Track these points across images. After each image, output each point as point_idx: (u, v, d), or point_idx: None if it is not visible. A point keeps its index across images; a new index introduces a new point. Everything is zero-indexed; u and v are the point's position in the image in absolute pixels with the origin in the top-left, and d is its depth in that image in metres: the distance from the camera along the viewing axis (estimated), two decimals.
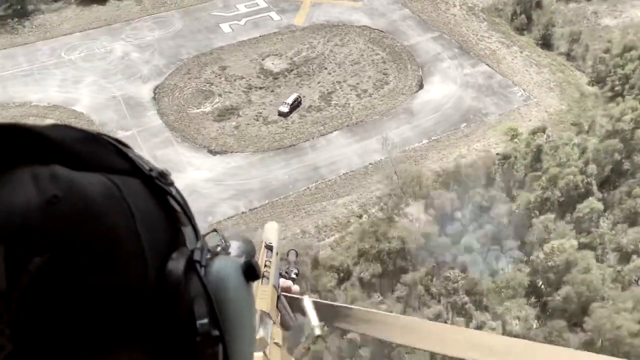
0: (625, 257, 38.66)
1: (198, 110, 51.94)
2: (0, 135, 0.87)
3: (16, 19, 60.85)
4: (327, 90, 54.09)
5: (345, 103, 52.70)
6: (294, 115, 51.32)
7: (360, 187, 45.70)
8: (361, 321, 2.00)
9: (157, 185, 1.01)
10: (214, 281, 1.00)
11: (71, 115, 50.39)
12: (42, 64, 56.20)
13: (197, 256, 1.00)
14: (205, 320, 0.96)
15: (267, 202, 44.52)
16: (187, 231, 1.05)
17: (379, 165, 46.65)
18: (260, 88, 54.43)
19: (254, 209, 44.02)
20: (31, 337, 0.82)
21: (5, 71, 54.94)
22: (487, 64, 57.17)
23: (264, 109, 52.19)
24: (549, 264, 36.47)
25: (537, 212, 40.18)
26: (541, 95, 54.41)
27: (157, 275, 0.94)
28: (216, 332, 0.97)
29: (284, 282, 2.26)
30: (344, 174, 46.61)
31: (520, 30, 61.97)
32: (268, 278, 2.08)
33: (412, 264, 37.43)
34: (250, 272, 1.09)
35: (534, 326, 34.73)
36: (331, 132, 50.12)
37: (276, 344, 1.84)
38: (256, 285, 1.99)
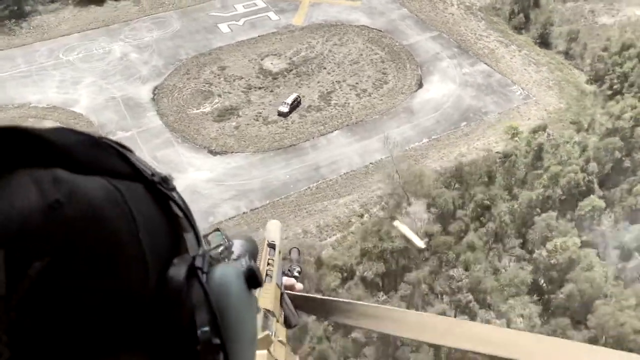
0: (627, 254, 38.83)
1: (198, 111, 51.83)
2: (1, 137, 0.85)
3: (13, 20, 60.57)
4: (327, 90, 54.08)
5: (345, 103, 52.69)
6: (294, 115, 51.28)
7: (361, 186, 45.71)
8: (363, 316, 1.98)
9: (159, 190, 1.01)
10: (216, 288, 1.00)
11: (70, 116, 50.22)
12: (41, 65, 55.97)
13: (198, 263, 1.00)
14: (207, 329, 0.95)
15: (268, 202, 44.45)
16: (189, 237, 1.05)
17: (380, 165, 46.67)
18: (260, 88, 54.36)
19: (255, 209, 43.94)
20: (29, 343, 0.80)
21: (4, 72, 54.68)
22: (486, 63, 57.30)
23: (264, 109, 52.13)
24: (552, 262, 36.55)
25: (538, 210, 40.27)
26: (540, 93, 54.56)
27: (159, 281, 0.94)
28: (217, 341, 0.97)
29: (286, 280, 2.27)
30: (344, 173, 46.59)
31: (518, 29, 62.14)
32: (271, 276, 2.09)
33: (415, 263, 37.47)
34: (252, 279, 1.09)
35: (538, 324, 34.80)
36: (331, 131, 50.09)
37: (280, 341, 1.84)
38: None
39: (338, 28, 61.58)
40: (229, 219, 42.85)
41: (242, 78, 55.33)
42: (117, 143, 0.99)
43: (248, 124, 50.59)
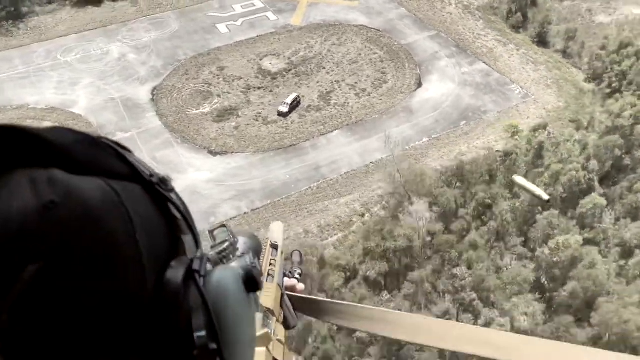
0: (628, 251, 38.89)
1: (197, 111, 51.70)
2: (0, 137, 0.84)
3: (10, 22, 60.31)
4: (326, 89, 54.04)
5: (345, 102, 52.67)
6: (294, 115, 51.22)
7: (362, 186, 45.70)
8: (358, 318, 2.00)
9: (158, 191, 1.00)
10: (214, 292, 1.00)
11: (69, 117, 50.01)
12: (38, 66, 55.73)
13: (196, 266, 1.00)
14: (203, 333, 0.95)
15: (269, 202, 44.37)
16: (188, 240, 1.04)
17: (380, 164, 46.67)
18: (259, 88, 54.28)
19: (256, 209, 43.87)
20: (22, 348, 0.79)
21: (1, 74, 54.42)
22: (485, 62, 57.41)
23: (263, 109, 52.05)
24: (554, 259, 36.58)
25: (540, 209, 40.33)
26: (539, 92, 54.70)
27: (156, 283, 0.92)
28: (214, 346, 0.96)
29: (288, 281, 2.28)
30: (345, 173, 46.58)
31: (516, 28, 62.30)
32: (273, 276, 2.11)
33: (418, 262, 37.45)
34: (251, 282, 1.08)
35: (542, 322, 34.80)
36: (331, 131, 50.07)
37: (279, 340, 1.84)
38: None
39: (336, 28, 61.56)
40: (230, 219, 42.66)
41: (241, 78, 55.22)
42: (116, 143, 0.99)
43: (248, 124, 50.49)
